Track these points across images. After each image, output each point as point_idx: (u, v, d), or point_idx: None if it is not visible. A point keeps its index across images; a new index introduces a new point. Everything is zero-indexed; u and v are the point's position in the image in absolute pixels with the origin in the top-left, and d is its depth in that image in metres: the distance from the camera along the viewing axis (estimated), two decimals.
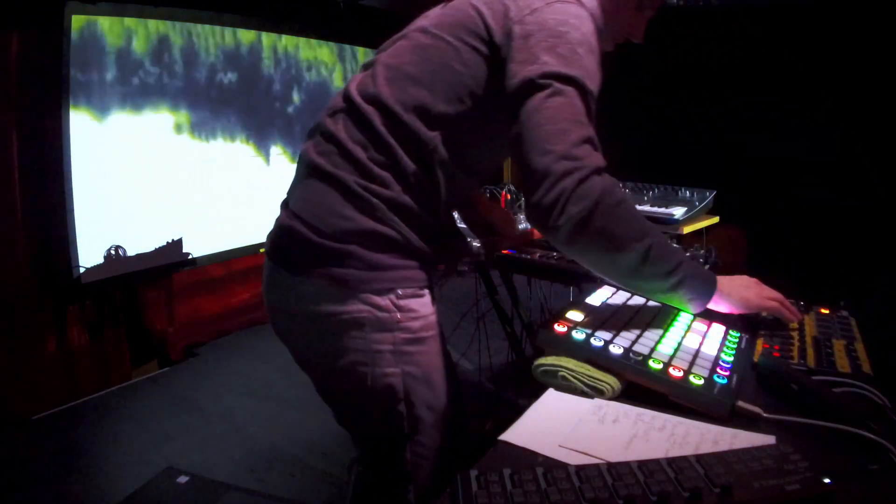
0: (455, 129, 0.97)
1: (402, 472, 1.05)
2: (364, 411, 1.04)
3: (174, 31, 3.11)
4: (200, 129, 3.30)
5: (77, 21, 2.68)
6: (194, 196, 3.28)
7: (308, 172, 1.01)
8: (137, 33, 2.95)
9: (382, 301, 0.96)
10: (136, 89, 2.97)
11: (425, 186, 0.98)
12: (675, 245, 0.97)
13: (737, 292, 1.01)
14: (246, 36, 3.52)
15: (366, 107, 0.97)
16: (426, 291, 1.02)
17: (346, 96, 1.02)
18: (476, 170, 1.08)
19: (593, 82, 0.92)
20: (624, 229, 0.89)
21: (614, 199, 0.87)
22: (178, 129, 3.20)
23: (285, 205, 1.05)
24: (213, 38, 3.33)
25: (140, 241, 3.01)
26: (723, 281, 1.00)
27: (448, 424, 1.07)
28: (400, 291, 0.97)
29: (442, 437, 1.06)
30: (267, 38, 3.63)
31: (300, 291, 0.98)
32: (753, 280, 1.05)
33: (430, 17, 1.03)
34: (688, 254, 1.57)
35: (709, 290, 0.98)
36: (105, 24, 2.80)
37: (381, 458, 1.08)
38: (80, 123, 2.73)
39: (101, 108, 2.82)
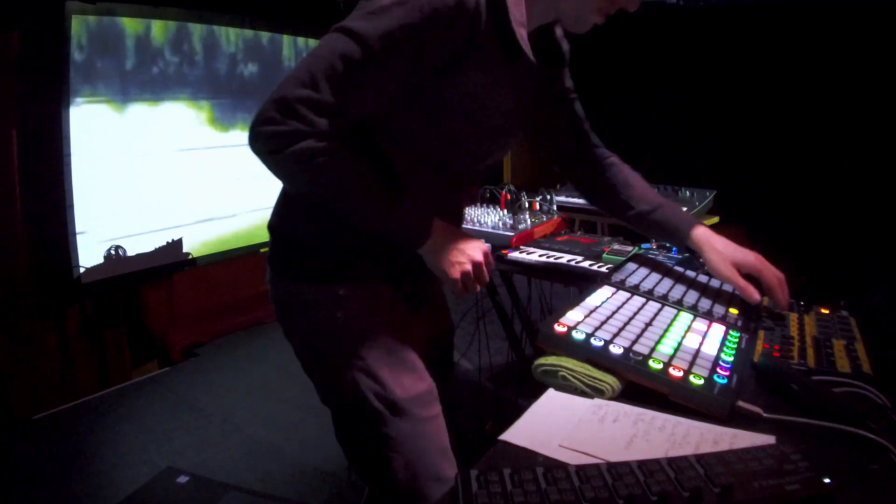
0: (383, 125, 1.00)
1: (383, 443, 1.02)
2: (334, 393, 1.08)
3: (187, 28, 3.12)
4: (208, 127, 3.31)
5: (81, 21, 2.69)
6: (195, 195, 3.28)
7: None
8: (152, 30, 2.96)
9: (328, 290, 1.03)
10: (143, 88, 2.98)
11: None
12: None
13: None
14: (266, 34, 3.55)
15: None
16: (373, 285, 1.06)
17: None
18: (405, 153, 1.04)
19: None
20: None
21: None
22: (184, 129, 3.20)
23: None
24: (232, 32, 3.35)
25: (140, 241, 3.01)
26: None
27: (424, 400, 1.05)
28: (345, 284, 1.04)
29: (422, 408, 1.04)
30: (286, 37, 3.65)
31: (273, 283, 1.11)
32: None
33: None
34: (688, 253, 1.56)
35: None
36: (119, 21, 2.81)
37: (360, 435, 1.06)
38: (81, 123, 2.73)
39: (103, 108, 2.82)
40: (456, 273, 0.99)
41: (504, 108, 1.03)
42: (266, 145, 0.91)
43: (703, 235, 1.19)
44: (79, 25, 2.68)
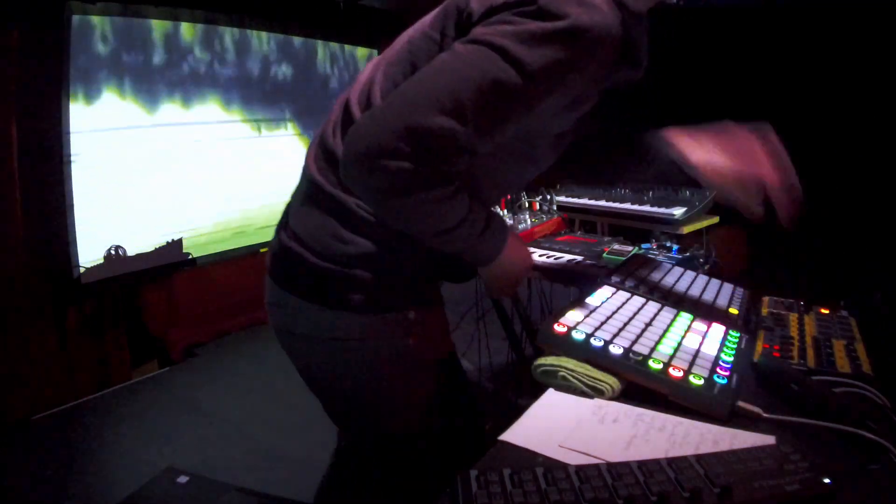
0: None
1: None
2: (376, 425, 1.03)
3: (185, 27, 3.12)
4: (210, 126, 3.31)
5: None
6: (196, 195, 3.28)
7: (308, 190, 0.94)
8: (153, 29, 2.95)
9: (388, 322, 0.93)
10: (146, 87, 2.98)
11: None
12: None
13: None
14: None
15: None
16: (435, 308, 1.00)
17: (346, 107, 0.93)
18: (489, 180, 0.95)
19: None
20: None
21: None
22: (184, 127, 3.20)
23: (285, 223, 0.99)
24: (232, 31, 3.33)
25: (140, 241, 3.01)
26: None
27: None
28: (414, 307, 0.94)
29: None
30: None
31: (304, 315, 0.94)
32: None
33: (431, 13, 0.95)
34: (688, 253, 1.57)
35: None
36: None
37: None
38: (81, 122, 2.73)
39: (104, 108, 2.82)
40: (506, 294, 1.01)
41: (580, 115, 0.94)
42: (389, 183, 0.74)
43: None
44: (80, 23, 2.68)
